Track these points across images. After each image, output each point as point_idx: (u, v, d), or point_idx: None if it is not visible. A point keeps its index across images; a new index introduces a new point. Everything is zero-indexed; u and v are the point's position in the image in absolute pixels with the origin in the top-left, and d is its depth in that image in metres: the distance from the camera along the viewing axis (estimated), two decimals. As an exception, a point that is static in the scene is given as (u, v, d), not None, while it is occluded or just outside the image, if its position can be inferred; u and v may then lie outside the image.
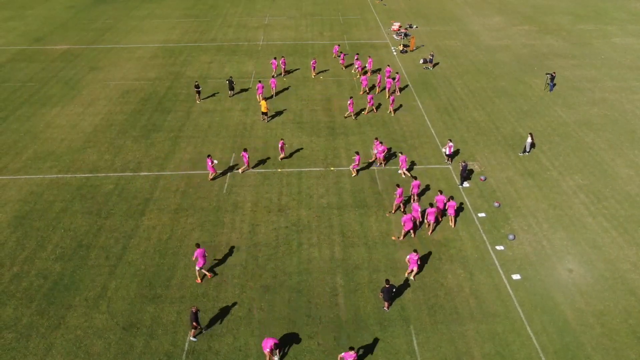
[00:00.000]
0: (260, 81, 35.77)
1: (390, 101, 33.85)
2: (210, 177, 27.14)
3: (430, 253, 22.21)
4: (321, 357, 17.60)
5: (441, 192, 24.07)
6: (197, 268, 20.39)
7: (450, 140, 28.40)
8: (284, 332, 18.53)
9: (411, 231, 22.90)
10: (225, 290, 20.35)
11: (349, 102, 33.09)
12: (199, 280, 20.66)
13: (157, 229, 23.72)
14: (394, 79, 36.97)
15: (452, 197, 23.64)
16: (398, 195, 23.91)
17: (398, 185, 24.23)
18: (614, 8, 60.83)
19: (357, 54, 42.41)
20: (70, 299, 19.90)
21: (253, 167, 28.33)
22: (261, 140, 31.17)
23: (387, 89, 36.51)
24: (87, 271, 21.26)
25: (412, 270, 20.62)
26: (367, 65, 40.40)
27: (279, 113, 34.69)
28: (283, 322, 18.94)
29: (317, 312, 19.38)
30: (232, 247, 22.61)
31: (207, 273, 20.82)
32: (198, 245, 20.33)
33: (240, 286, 20.54)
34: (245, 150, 27.66)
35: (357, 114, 34.29)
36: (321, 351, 17.78)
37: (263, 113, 32.93)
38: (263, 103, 32.60)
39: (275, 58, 40.50)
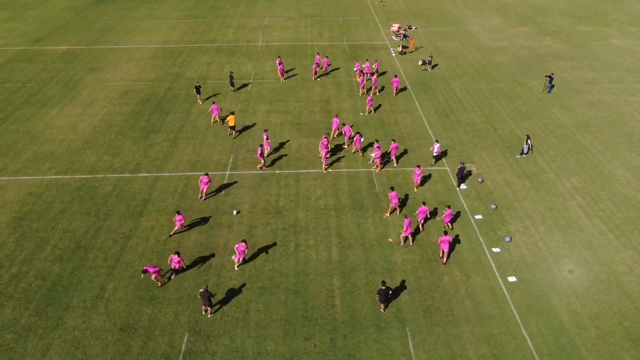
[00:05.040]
0: (214, 103, 33.63)
1: (368, 101, 34.28)
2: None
3: (427, 254, 22.32)
4: (317, 358, 17.70)
5: (377, 141, 28.22)
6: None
7: (437, 141, 28.19)
8: (281, 333, 18.64)
9: (409, 237, 22.90)
10: (223, 291, 20.48)
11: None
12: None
13: (155, 230, 23.83)
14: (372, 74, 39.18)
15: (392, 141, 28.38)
16: (392, 198, 23.97)
17: (392, 189, 24.30)
18: (613, 10, 60.90)
19: (367, 59, 42.22)
20: (68, 300, 20.01)
21: (250, 169, 28.46)
22: (259, 142, 31.24)
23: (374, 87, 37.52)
24: (85, 272, 21.37)
25: None
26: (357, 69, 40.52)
27: (277, 115, 34.81)
28: (280, 323, 19.05)
29: (314, 313, 19.48)
30: (230, 249, 22.71)
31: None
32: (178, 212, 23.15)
33: (238, 287, 20.65)
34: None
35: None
36: (317, 352, 17.89)
37: (231, 127, 31.43)
38: (231, 117, 31.15)
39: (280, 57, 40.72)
